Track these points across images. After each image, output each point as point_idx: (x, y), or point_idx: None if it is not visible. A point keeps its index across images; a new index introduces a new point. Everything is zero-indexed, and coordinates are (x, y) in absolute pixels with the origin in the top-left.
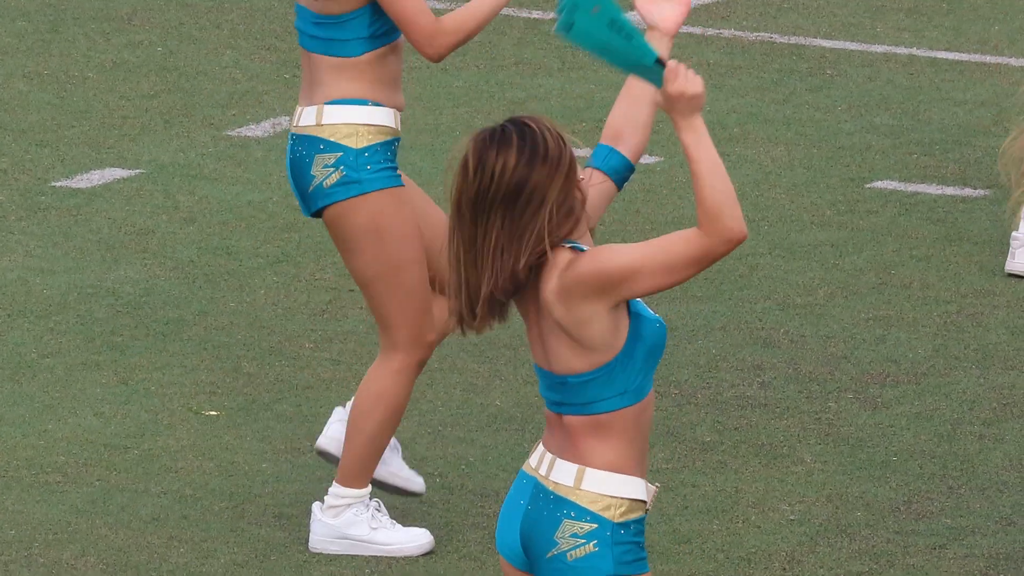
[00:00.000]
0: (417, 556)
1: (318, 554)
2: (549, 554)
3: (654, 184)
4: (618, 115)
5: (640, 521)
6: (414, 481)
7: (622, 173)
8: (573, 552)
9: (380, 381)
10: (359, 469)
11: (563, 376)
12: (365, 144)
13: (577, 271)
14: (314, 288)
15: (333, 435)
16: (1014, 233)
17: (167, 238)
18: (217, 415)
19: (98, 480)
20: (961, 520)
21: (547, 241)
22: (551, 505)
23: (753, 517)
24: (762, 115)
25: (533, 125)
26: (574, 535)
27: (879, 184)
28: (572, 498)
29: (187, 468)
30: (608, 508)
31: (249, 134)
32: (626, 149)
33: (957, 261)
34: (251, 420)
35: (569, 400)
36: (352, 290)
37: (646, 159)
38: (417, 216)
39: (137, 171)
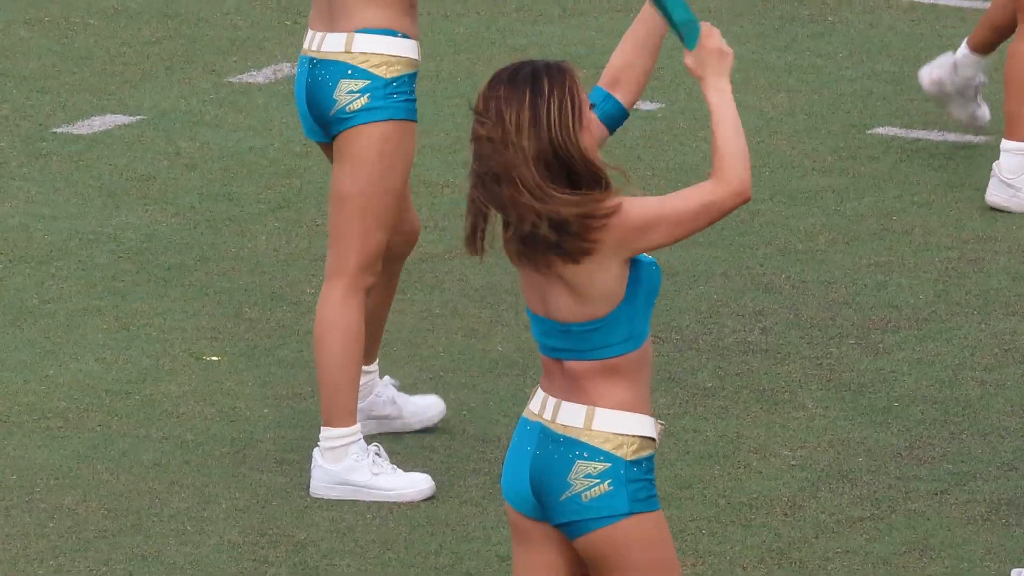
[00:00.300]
0: (418, 501)
1: (319, 500)
2: (563, 496)
3: (655, 131)
4: (618, 61)
5: (651, 459)
6: (434, 406)
7: (616, 119)
8: (588, 493)
9: (329, 310)
10: (340, 405)
11: (566, 324)
12: (394, 75)
13: (596, 223)
14: (315, 234)
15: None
16: (996, 162)
17: (168, 184)
18: (218, 360)
19: (99, 425)
20: (963, 466)
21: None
22: (561, 448)
23: (754, 463)
24: (764, 62)
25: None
26: (588, 475)
27: (880, 130)
28: (583, 439)
29: (188, 414)
30: (620, 447)
31: (251, 80)
32: (622, 95)
33: (958, 207)
34: (252, 366)
35: (574, 347)
36: None
37: (647, 106)
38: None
39: (138, 117)
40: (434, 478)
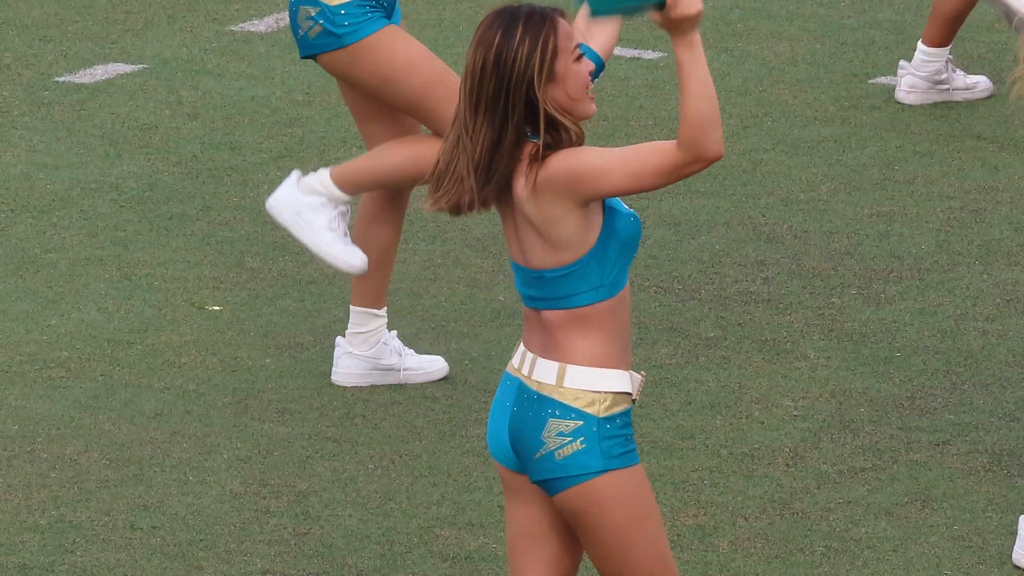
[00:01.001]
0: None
1: (321, 448)
2: (537, 454)
3: (657, 79)
4: (586, 14)
5: (626, 413)
6: (437, 362)
7: (594, 71)
8: (561, 451)
9: (420, 143)
10: (355, 173)
11: (539, 271)
12: (340, 1)
13: (548, 169)
14: None
15: (342, 370)
16: (901, 62)
17: (170, 133)
18: (220, 310)
19: (101, 375)
20: (964, 416)
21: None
22: (535, 405)
23: (756, 413)
24: (765, 10)
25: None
26: (560, 433)
27: (882, 80)
28: (555, 396)
29: (190, 363)
30: (592, 404)
31: (252, 29)
32: (597, 45)
33: (960, 156)
34: (254, 315)
35: (546, 295)
36: None
37: (649, 55)
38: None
39: (140, 66)
40: (436, 428)
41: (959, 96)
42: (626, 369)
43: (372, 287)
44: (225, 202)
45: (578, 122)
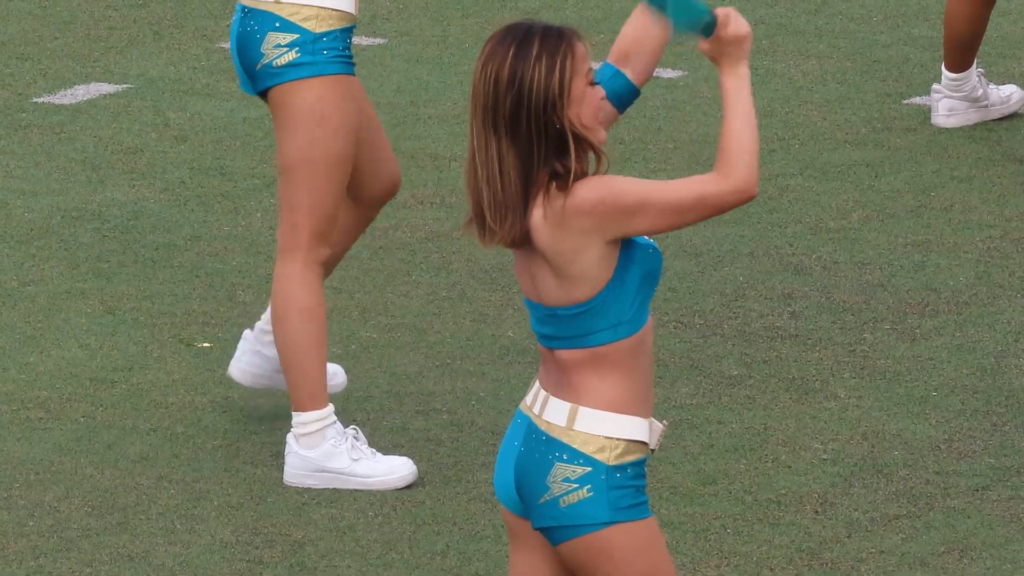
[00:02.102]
0: (399, 488)
1: (317, 495)
2: (541, 499)
3: (677, 100)
4: (628, 35)
5: (639, 464)
6: (337, 375)
7: (625, 98)
8: (565, 498)
9: (287, 287)
10: (309, 387)
11: (553, 308)
12: (325, 29)
13: (575, 199)
14: None
15: (245, 366)
16: (935, 85)
17: (157, 157)
18: (210, 347)
19: (83, 416)
20: (1005, 459)
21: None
22: (543, 447)
23: (783, 456)
24: (792, 26)
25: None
26: (566, 479)
27: (917, 100)
28: (564, 439)
29: (178, 404)
30: (602, 450)
31: None
32: (633, 72)
33: (1001, 182)
34: None
35: (561, 334)
36: None
37: (669, 73)
38: (358, 115)
39: (125, 86)
40: (441, 472)
41: (996, 112)
42: (646, 416)
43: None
44: (215, 231)
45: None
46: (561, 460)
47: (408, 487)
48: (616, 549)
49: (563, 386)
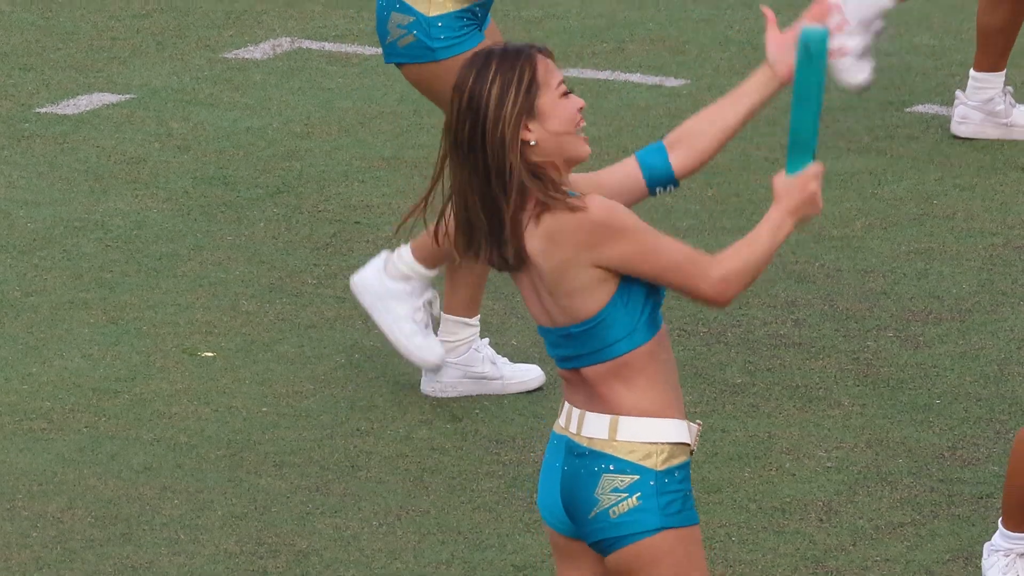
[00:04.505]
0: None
1: (322, 504)
2: (591, 513)
3: (679, 108)
4: (689, 126)
5: (685, 467)
6: (533, 371)
7: (658, 175)
8: (615, 508)
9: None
10: (434, 247)
11: (565, 328)
12: (438, 12)
13: (559, 220)
14: (317, 220)
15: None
16: (957, 92)
17: (160, 167)
18: (213, 356)
19: (86, 427)
20: None
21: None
22: (587, 461)
23: (787, 464)
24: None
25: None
26: (615, 490)
27: (920, 108)
28: (608, 451)
29: (181, 413)
30: (649, 456)
31: (247, 56)
32: (675, 158)
33: (1003, 190)
34: (250, 362)
35: (579, 352)
36: (358, 222)
37: (672, 82)
38: None
39: (128, 96)
40: (445, 482)
41: (1018, 133)
42: (681, 418)
43: (464, 296)
44: (218, 241)
45: (564, 169)
46: (608, 471)
47: (412, 496)
48: (663, 554)
49: (595, 400)
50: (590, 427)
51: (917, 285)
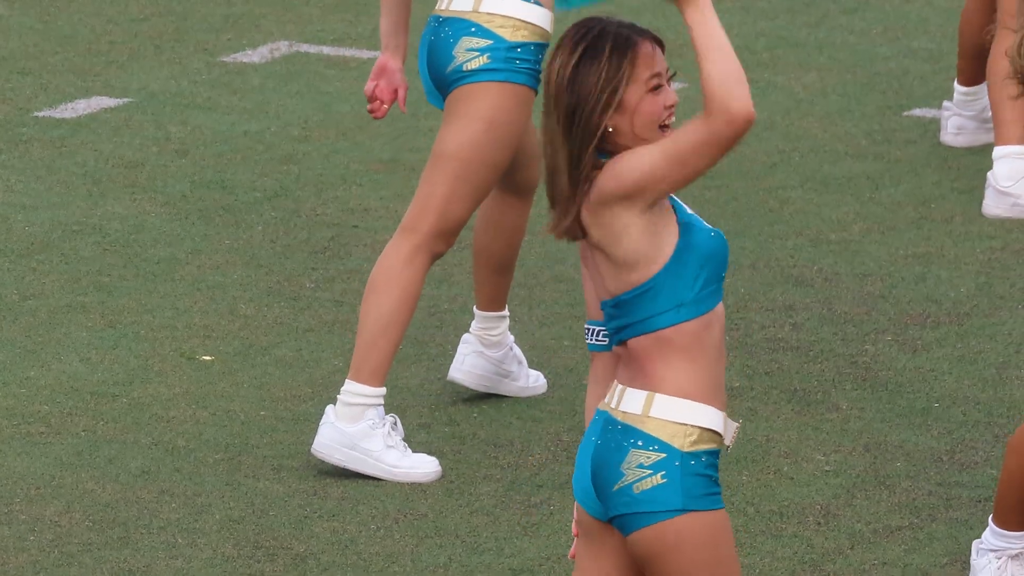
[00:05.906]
0: (426, 483)
1: (319, 507)
2: (616, 486)
3: (678, 111)
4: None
5: (713, 453)
6: (539, 378)
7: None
8: (639, 484)
9: (393, 262)
10: (372, 362)
11: (616, 297)
12: (519, 40)
13: (597, 187)
14: (315, 224)
15: (469, 368)
16: (945, 102)
17: (158, 171)
18: (211, 360)
19: (84, 431)
20: None
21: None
22: (619, 435)
23: (785, 468)
24: (793, 39)
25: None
26: (640, 465)
27: (918, 112)
28: (639, 426)
29: (179, 417)
30: (676, 436)
31: (245, 60)
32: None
33: None
34: (248, 366)
35: (627, 321)
36: (356, 226)
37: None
38: (525, 128)
39: (126, 100)
40: (443, 485)
41: None
42: (720, 408)
43: (487, 292)
44: (216, 245)
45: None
46: (636, 447)
47: (410, 500)
48: (686, 537)
49: (637, 376)
50: (627, 402)
51: (915, 289)
